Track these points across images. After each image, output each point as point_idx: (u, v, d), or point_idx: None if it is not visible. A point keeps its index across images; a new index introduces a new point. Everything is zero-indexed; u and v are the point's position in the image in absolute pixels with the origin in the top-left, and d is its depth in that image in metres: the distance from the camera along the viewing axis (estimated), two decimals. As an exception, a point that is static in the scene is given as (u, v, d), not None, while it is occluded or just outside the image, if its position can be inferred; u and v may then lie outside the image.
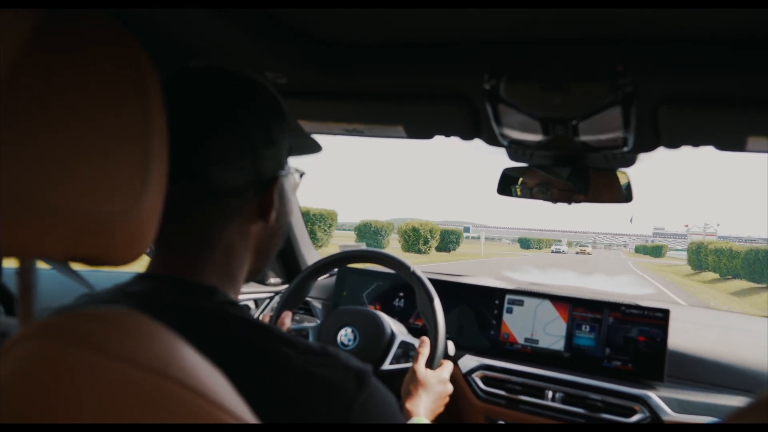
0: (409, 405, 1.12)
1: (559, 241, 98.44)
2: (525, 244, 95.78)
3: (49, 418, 0.31)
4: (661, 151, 1.15)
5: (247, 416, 0.37)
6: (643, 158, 1.27)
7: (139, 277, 0.64)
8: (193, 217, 0.64)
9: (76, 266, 0.46)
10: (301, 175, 0.76)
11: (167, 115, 0.61)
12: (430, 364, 1.31)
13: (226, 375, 0.41)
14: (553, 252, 68.32)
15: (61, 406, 0.31)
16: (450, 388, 1.26)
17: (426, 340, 1.28)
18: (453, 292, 1.70)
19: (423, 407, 1.13)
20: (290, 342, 0.59)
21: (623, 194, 1.33)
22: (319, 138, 0.88)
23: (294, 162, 0.77)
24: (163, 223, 0.65)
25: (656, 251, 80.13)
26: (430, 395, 1.17)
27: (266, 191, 0.66)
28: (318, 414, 0.55)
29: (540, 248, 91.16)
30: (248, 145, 0.63)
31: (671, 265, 47.60)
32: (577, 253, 67.78)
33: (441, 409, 1.23)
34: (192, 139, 0.61)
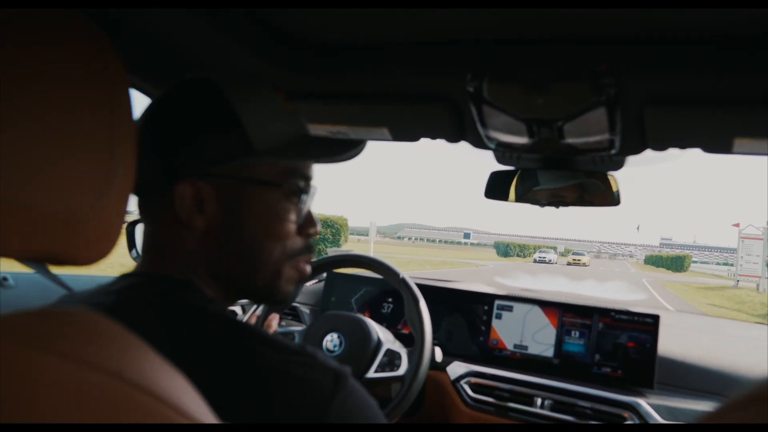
0: None
1: (551, 248, 74.62)
2: (503, 251, 75.77)
3: None
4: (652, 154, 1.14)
5: (209, 420, 0.36)
6: (649, 168, 1.26)
7: (122, 276, 0.65)
8: (141, 210, 0.68)
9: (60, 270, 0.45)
10: (310, 189, 0.70)
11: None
12: (417, 371, 1.29)
13: (199, 373, 0.40)
14: (536, 261, 51.77)
15: (9, 408, 0.30)
16: None
17: None
18: (442, 297, 1.68)
19: None
20: (267, 340, 0.58)
21: (614, 198, 1.31)
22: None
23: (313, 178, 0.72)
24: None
25: (676, 264, 58.28)
26: None
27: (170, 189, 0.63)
28: (295, 413, 0.54)
29: (524, 256, 73.95)
30: (158, 138, 0.64)
31: (715, 288, 26.94)
32: (569, 263, 51.29)
33: None
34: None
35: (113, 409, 0.31)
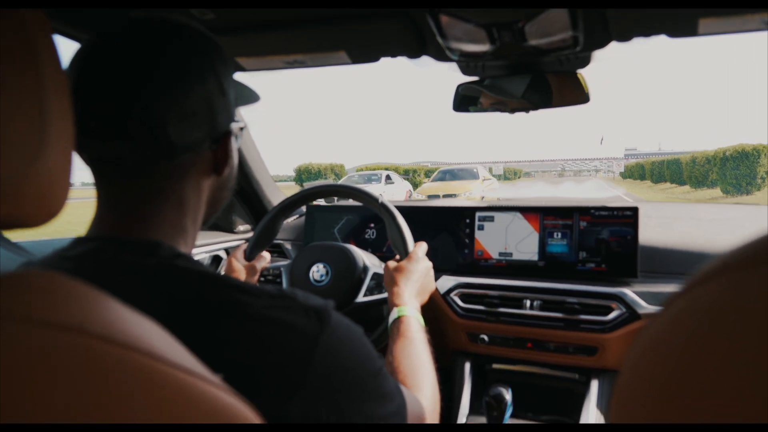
0: (391, 299, 1.11)
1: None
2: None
3: None
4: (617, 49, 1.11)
5: (185, 360, 0.35)
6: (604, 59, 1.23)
7: (78, 240, 0.62)
8: (147, 174, 0.62)
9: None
10: (241, 128, 0.73)
11: (110, 69, 0.58)
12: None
13: (179, 330, 0.40)
14: None
15: None
16: (428, 263, 1.23)
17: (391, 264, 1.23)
18: (423, 216, 1.69)
19: (406, 294, 1.11)
20: (244, 288, 0.57)
21: (584, 95, 1.29)
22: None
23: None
24: (109, 182, 0.62)
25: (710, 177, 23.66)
26: (409, 279, 1.15)
27: (221, 144, 0.66)
28: (281, 357, 0.54)
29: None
30: (204, 97, 0.61)
31: None
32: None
33: (431, 285, 1.23)
34: (146, 94, 0.58)
35: (81, 365, 0.30)
